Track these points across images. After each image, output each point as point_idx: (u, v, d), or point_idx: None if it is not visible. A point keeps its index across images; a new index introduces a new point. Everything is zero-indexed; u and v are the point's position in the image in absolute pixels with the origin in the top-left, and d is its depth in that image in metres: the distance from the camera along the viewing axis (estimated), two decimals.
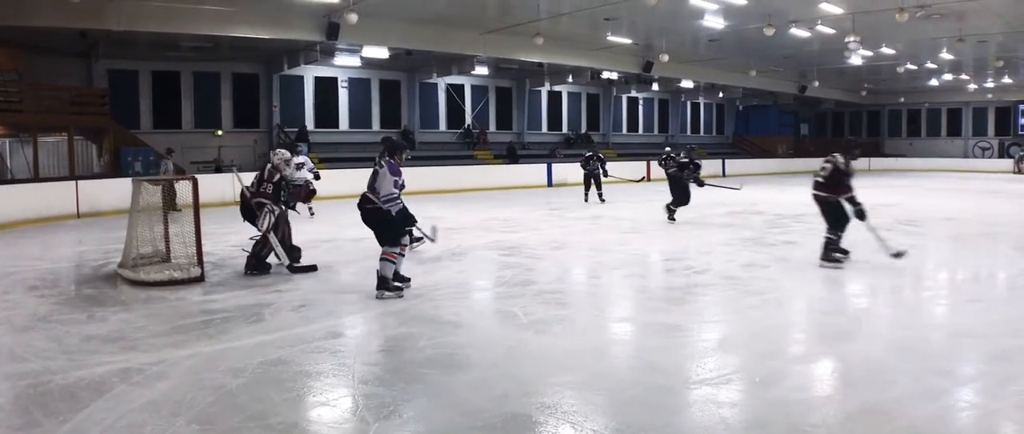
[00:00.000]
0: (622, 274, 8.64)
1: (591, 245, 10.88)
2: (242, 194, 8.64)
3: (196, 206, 8.26)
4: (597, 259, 9.66)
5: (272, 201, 8.39)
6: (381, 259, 7.13)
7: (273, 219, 8.33)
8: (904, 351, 5.14)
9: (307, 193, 11.63)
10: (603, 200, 17.98)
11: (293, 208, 9.16)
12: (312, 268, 8.52)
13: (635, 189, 21.40)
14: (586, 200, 18.35)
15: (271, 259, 8.47)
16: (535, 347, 5.43)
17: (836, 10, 18.80)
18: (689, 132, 40.06)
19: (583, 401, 4.28)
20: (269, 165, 8.62)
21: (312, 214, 14.66)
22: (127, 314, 6.54)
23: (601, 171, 18.18)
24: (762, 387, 4.49)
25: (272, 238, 8.28)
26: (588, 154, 18.65)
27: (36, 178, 17.74)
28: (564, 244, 10.99)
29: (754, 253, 9.77)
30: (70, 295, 7.53)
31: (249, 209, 8.55)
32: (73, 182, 16.10)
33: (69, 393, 4.38)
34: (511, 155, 28.72)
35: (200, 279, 7.88)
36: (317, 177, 13.84)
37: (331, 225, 13.15)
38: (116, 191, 15.00)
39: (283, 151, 8.90)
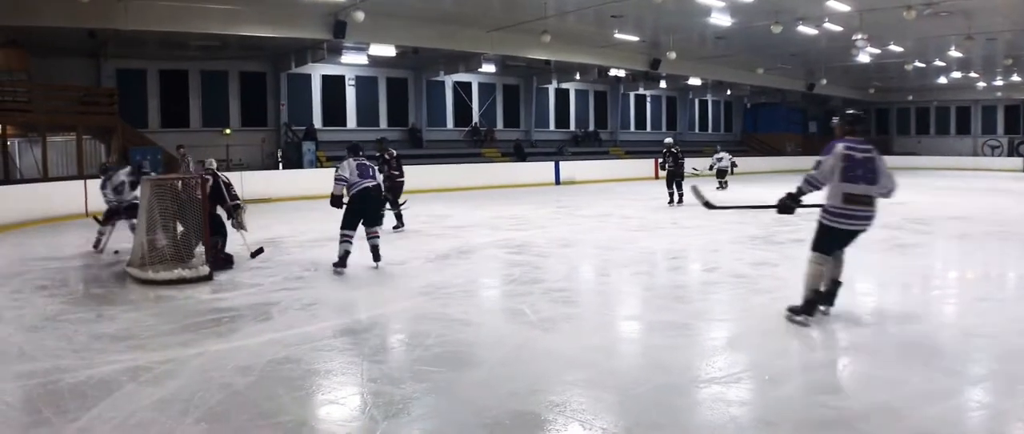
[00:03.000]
0: (630, 272, 8.62)
1: (599, 243, 10.87)
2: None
3: (205, 204, 8.31)
4: (605, 257, 9.65)
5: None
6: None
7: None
8: (914, 350, 5.12)
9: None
10: (402, 226, 12.15)
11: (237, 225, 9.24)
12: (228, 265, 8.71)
13: (645, 185, 21.29)
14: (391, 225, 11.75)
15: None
16: (543, 345, 5.43)
17: (843, 7, 18.73)
18: (697, 130, 40.00)
19: (592, 399, 4.27)
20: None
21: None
22: (136, 313, 6.56)
23: (399, 179, 12.48)
24: (771, 385, 4.48)
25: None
26: (383, 155, 12.35)
27: (45, 178, 17.80)
28: (572, 242, 10.98)
29: (763, 251, 9.74)
30: (79, 294, 7.57)
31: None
32: (82, 182, 16.15)
33: (79, 392, 4.39)
34: (518, 153, 28.71)
35: (209, 278, 7.89)
36: (131, 187, 10.46)
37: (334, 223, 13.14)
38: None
39: (211, 159, 9.44)
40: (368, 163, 8.72)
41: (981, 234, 11.49)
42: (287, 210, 12.52)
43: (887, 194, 5.75)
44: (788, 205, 5.91)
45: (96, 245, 10.51)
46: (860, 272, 8.22)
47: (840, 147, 5.65)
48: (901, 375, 4.52)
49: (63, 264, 9.54)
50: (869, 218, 5.73)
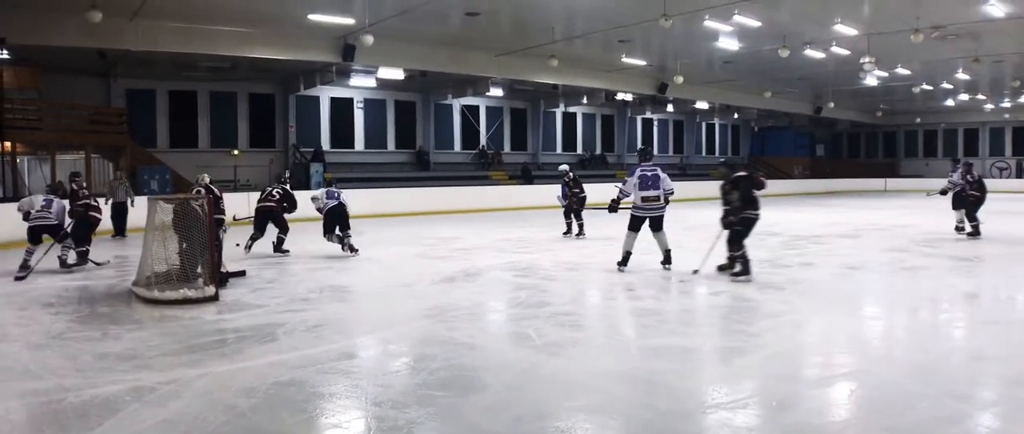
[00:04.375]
0: (636, 296, 8.58)
1: (605, 266, 10.82)
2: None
3: (211, 224, 8.32)
4: (611, 281, 9.61)
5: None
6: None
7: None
8: (922, 375, 5.07)
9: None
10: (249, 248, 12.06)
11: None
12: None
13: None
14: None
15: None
16: (549, 370, 5.39)
17: (851, 31, 18.78)
18: (704, 153, 40.05)
19: (597, 425, 4.23)
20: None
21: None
22: (141, 332, 6.55)
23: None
24: (779, 411, 4.43)
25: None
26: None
27: None
28: (578, 265, 10.95)
29: (770, 275, 9.69)
30: (85, 313, 7.57)
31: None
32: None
33: (82, 411, 4.38)
34: (526, 176, 28.75)
35: (214, 298, 7.89)
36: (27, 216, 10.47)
37: (336, 247, 13.15)
38: (132, 210, 15.12)
39: (204, 175, 10.36)
40: (334, 189, 12.12)
41: (989, 256, 11.42)
42: (293, 231, 12.53)
43: (667, 193, 9.86)
44: (614, 207, 10.23)
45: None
46: (868, 295, 8.19)
47: (637, 172, 9.73)
48: (909, 400, 4.48)
49: (69, 283, 9.56)
50: (657, 208, 9.77)
